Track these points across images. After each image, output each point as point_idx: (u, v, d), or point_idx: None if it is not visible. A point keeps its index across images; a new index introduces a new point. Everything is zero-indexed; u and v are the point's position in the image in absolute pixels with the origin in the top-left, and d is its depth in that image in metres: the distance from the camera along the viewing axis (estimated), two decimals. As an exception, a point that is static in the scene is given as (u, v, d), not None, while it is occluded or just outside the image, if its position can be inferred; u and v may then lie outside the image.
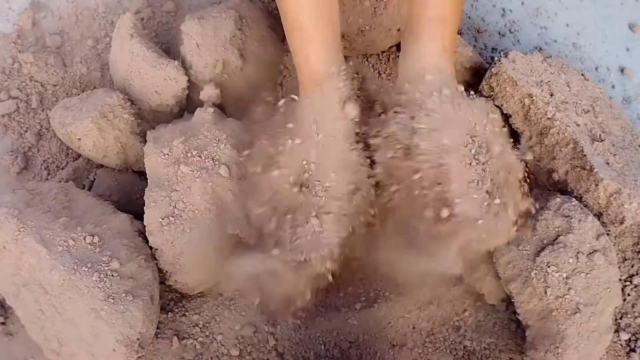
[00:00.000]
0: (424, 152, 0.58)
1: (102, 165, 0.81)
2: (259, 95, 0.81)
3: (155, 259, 0.70)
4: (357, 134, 0.63)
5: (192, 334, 0.74)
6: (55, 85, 0.88)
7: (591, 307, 0.66)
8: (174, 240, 0.68)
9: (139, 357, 0.68)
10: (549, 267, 0.67)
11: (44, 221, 0.66)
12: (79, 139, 0.75)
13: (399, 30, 0.80)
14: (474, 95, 0.69)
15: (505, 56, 0.75)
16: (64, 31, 0.89)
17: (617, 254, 0.74)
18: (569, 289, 0.66)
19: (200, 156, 0.70)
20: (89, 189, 0.79)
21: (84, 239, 0.66)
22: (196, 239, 0.69)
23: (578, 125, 0.74)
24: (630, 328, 0.73)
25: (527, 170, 0.64)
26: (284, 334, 0.74)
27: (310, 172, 0.61)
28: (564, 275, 0.67)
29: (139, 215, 0.71)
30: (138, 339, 0.66)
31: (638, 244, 0.76)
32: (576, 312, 0.66)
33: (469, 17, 0.88)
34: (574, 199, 0.70)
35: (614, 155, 0.73)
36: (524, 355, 0.71)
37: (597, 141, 0.74)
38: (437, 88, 0.59)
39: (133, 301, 0.65)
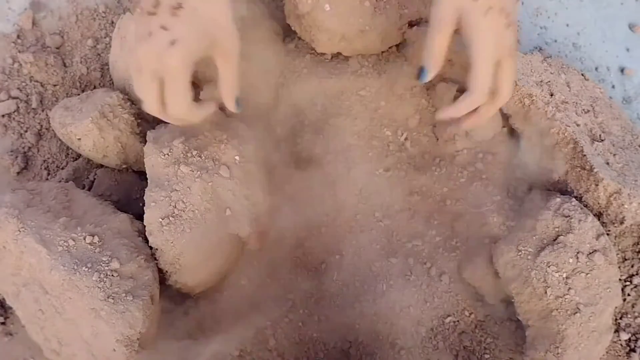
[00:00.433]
0: None
1: (102, 165, 0.81)
2: (259, 95, 0.81)
3: (155, 259, 0.70)
4: None
5: (192, 334, 0.74)
6: (55, 85, 0.88)
7: (591, 307, 0.66)
8: (174, 240, 0.68)
9: (139, 357, 0.68)
10: (549, 267, 0.67)
11: (44, 221, 0.66)
12: (79, 139, 0.75)
13: (399, 30, 0.80)
14: None
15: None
16: (64, 31, 0.89)
17: (617, 254, 0.74)
18: (569, 289, 0.66)
19: (200, 156, 0.70)
20: (89, 189, 0.79)
21: (84, 239, 0.66)
22: (196, 239, 0.69)
23: (578, 125, 0.74)
24: (630, 328, 0.73)
25: None
26: (284, 334, 0.74)
27: None
28: (564, 275, 0.67)
29: (139, 215, 0.71)
30: (138, 339, 0.66)
31: (638, 244, 0.76)
32: (576, 312, 0.66)
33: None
34: (574, 199, 0.70)
35: (614, 155, 0.73)
36: (524, 355, 0.71)
37: (597, 141, 0.74)
38: None
39: (133, 301, 0.65)
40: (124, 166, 0.80)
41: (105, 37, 0.89)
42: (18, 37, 0.89)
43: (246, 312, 0.75)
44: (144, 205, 0.69)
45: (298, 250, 0.77)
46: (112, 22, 0.89)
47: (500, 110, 0.77)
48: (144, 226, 0.69)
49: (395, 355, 0.73)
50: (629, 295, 0.74)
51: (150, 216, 0.69)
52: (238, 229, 0.72)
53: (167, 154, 0.70)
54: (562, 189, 0.74)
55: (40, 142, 0.86)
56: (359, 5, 0.76)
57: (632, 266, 0.75)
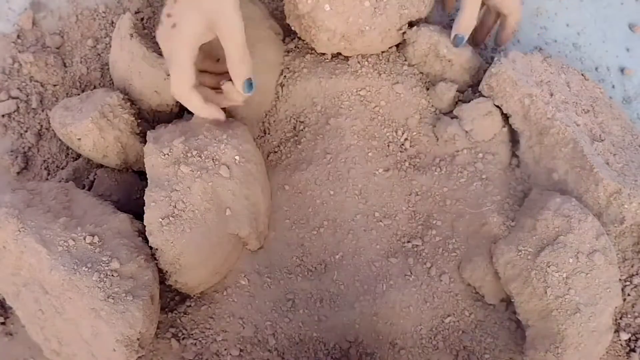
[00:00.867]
0: None
1: (102, 165, 0.81)
2: (259, 95, 0.81)
3: (155, 259, 0.70)
4: None
5: (192, 334, 0.74)
6: (55, 85, 0.88)
7: (591, 307, 0.66)
8: (174, 240, 0.68)
9: (139, 357, 0.68)
10: (549, 267, 0.67)
11: (44, 221, 0.66)
12: (79, 139, 0.75)
13: (399, 30, 0.80)
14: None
15: (505, 56, 0.75)
16: (64, 31, 0.89)
17: (617, 254, 0.74)
18: (569, 289, 0.66)
19: (200, 156, 0.70)
20: (89, 189, 0.79)
21: (84, 239, 0.66)
22: (196, 239, 0.69)
23: (578, 125, 0.74)
24: (630, 328, 0.73)
25: None
26: (284, 334, 0.74)
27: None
28: (564, 275, 0.67)
29: (139, 215, 0.71)
30: (138, 339, 0.66)
31: (638, 244, 0.76)
32: (576, 312, 0.66)
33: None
34: (573, 199, 0.70)
35: (614, 155, 0.73)
36: (524, 355, 0.71)
37: (597, 141, 0.74)
38: None
39: (133, 301, 0.65)
40: (124, 166, 0.80)
41: (105, 37, 0.89)
42: (18, 37, 0.89)
43: (246, 312, 0.75)
44: (144, 205, 0.69)
45: (298, 250, 0.77)
46: (112, 22, 0.89)
47: (500, 110, 0.77)
48: (144, 226, 0.69)
49: (395, 355, 0.73)
50: (629, 295, 0.74)
51: (150, 216, 0.69)
52: (238, 229, 0.72)
53: (167, 154, 0.70)
54: (562, 189, 0.74)
55: (40, 142, 0.86)
56: (359, 5, 0.76)
57: (632, 266, 0.75)
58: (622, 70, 0.88)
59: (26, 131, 0.86)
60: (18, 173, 0.84)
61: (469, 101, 0.78)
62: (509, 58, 0.75)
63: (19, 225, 0.65)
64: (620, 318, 0.74)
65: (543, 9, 0.91)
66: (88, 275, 0.64)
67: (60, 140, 0.84)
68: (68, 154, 0.85)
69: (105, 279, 0.65)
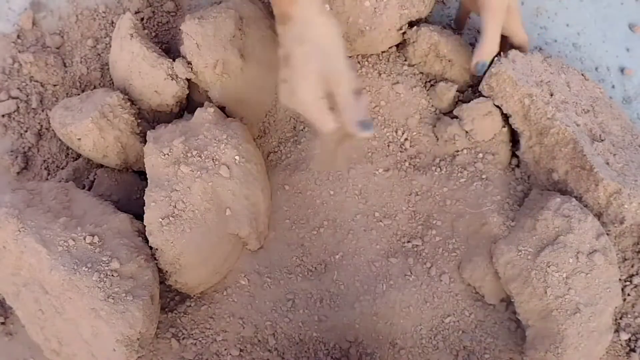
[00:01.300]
0: None
1: (102, 165, 0.81)
2: (259, 95, 0.81)
3: (155, 259, 0.70)
4: None
5: (192, 334, 0.74)
6: (55, 85, 0.88)
7: (591, 307, 0.66)
8: (174, 240, 0.68)
9: (139, 357, 0.68)
10: (549, 267, 0.67)
11: (44, 221, 0.66)
12: (79, 139, 0.75)
13: (399, 30, 0.80)
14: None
15: (505, 56, 0.75)
16: (64, 31, 0.89)
17: (617, 254, 0.74)
18: (569, 289, 0.66)
19: (200, 156, 0.70)
20: (89, 189, 0.79)
21: (84, 239, 0.66)
22: (196, 239, 0.69)
23: (578, 125, 0.74)
24: (630, 328, 0.73)
25: None
26: (284, 334, 0.74)
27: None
28: (564, 275, 0.67)
29: (139, 215, 0.71)
30: (138, 339, 0.66)
31: (638, 244, 0.76)
32: (576, 312, 0.66)
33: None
34: (573, 199, 0.70)
35: (614, 155, 0.73)
36: (524, 355, 0.71)
37: (597, 141, 0.74)
38: None
39: (133, 301, 0.65)
40: (124, 166, 0.80)
41: (105, 37, 0.89)
42: (18, 37, 0.89)
43: (246, 312, 0.75)
44: (144, 205, 0.69)
45: (298, 250, 0.77)
46: (112, 22, 0.89)
47: (501, 110, 0.77)
48: (144, 226, 0.69)
49: (395, 355, 0.73)
50: (629, 295, 0.74)
51: (150, 216, 0.69)
52: (238, 229, 0.72)
53: (167, 154, 0.70)
54: (562, 189, 0.74)
55: (40, 142, 0.86)
56: (359, 5, 0.76)
57: (632, 266, 0.75)
58: (622, 70, 0.88)
59: (26, 131, 0.86)
60: (18, 173, 0.84)
61: (469, 101, 0.78)
62: (509, 58, 0.75)
63: (19, 225, 0.65)
64: (620, 318, 0.74)
65: (543, 9, 0.91)
66: (88, 275, 0.64)
67: (60, 140, 0.84)
68: (68, 154, 0.85)
69: (105, 279, 0.65)
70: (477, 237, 0.75)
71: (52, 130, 0.84)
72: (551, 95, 0.74)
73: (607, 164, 0.72)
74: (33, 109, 0.86)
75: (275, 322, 0.75)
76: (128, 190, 0.80)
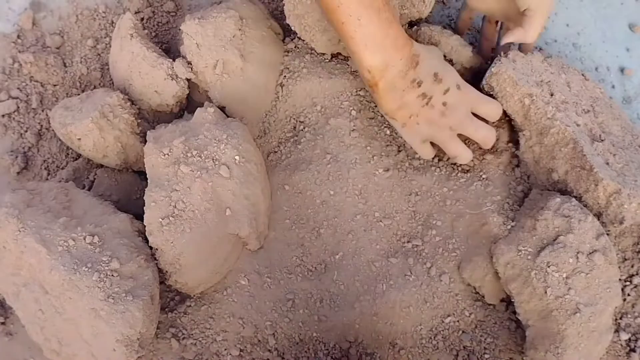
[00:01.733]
0: None
1: (102, 165, 0.81)
2: (259, 95, 0.81)
3: (155, 259, 0.70)
4: None
5: (192, 334, 0.74)
6: (55, 85, 0.88)
7: (591, 307, 0.66)
8: (174, 240, 0.68)
9: (139, 357, 0.68)
10: (549, 267, 0.67)
11: (44, 221, 0.66)
12: (79, 139, 0.75)
13: (399, 30, 0.80)
14: None
15: (506, 56, 0.75)
16: (64, 31, 0.89)
17: (617, 254, 0.74)
18: (569, 289, 0.66)
19: (200, 156, 0.70)
20: (89, 189, 0.79)
21: (84, 239, 0.66)
22: (196, 239, 0.69)
23: (578, 125, 0.74)
24: (630, 328, 0.73)
25: None
26: (284, 334, 0.75)
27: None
28: (564, 275, 0.67)
29: (139, 215, 0.71)
30: (138, 339, 0.66)
31: (638, 244, 0.76)
32: (576, 312, 0.66)
33: (469, 17, 0.88)
34: (573, 199, 0.70)
35: (614, 155, 0.73)
36: (524, 355, 0.71)
37: (597, 141, 0.74)
38: None
39: (133, 301, 0.65)
40: (124, 166, 0.80)
41: (105, 37, 0.89)
42: (18, 37, 0.89)
43: (246, 312, 0.75)
44: (144, 205, 0.69)
45: (298, 250, 0.77)
46: (112, 22, 0.89)
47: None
48: (144, 226, 0.69)
49: (395, 355, 0.73)
50: (629, 295, 0.74)
51: (150, 216, 0.69)
52: (238, 229, 0.72)
53: (167, 154, 0.70)
54: (561, 189, 0.74)
55: (40, 142, 0.86)
56: (359, 5, 0.76)
57: (632, 266, 0.75)
58: (622, 70, 0.88)
59: (26, 131, 0.86)
60: (18, 173, 0.84)
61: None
62: (509, 58, 0.75)
63: (19, 225, 0.65)
64: (620, 318, 0.74)
65: (543, 9, 0.90)
66: (88, 275, 0.64)
67: (60, 140, 0.84)
68: (68, 154, 0.85)
69: (105, 279, 0.65)
70: (477, 237, 0.75)
71: (52, 130, 0.84)
72: (551, 95, 0.74)
73: (607, 164, 0.72)
74: (33, 109, 0.86)
75: (275, 322, 0.75)
76: (128, 190, 0.80)
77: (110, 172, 0.80)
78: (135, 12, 0.89)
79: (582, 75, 0.80)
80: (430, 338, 0.74)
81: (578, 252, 0.67)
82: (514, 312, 0.72)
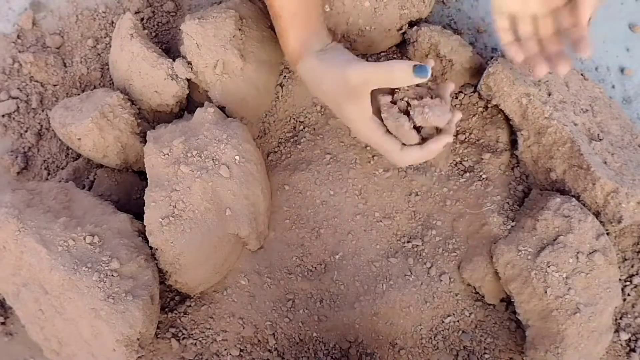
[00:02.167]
0: None
1: (102, 165, 0.81)
2: (259, 95, 0.81)
3: (155, 259, 0.70)
4: None
5: (192, 334, 0.74)
6: (55, 85, 0.88)
7: (591, 307, 0.66)
8: (174, 240, 0.68)
9: (139, 357, 0.68)
10: (549, 267, 0.67)
11: (44, 221, 0.66)
12: (79, 139, 0.75)
13: (399, 30, 0.80)
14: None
15: (503, 55, 0.75)
16: (64, 31, 0.89)
17: (617, 254, 0.74)
18: (569, 289, 0.66)
19: (200, 156, 0.70)
20: (89, 189, 0.79)
21: (84, 239, 0.66)
22: (196, 239, 0.69)
23: (576, 124, 0.74)
24: (630, 328, 0.73)
25: None
26: (284, 334, 0.75)
27: None
28: (564, 275, 0.67)
29: (139, 215, 0.71)
30: (138, 339, 0.66)
31: (638, 244, 0.76)
32: (576, 312, 0.66)
33: (469, 17, 0.88)
34: (573, 199, 0.70)
35: (612, 154, 0.73)
36: (524, 355, 0.71)
37: (595, 140, 0.74)
38: None
39: (133, 301, 0.65)
40: (124, 166, 0.80)
41: (105, 37, 0.89)
42: (18, 37, 0.89)
43: (246, 312, 0.75)
44: (144, 205, 0.69)
45: (298, 250, 0.77)
46: (112, 22, 0.89)
47: (501, 110, 0.77)
48: (144, 226, 0.69)
49: (395, 355, 0.73)
50: (629, 295, 0.74)
51: (150, 216, 0.69)
52: (238, 229, 0.72)
53: (167, 154, 0.70)
54: (560, 188, 0.74)
55: (40, 142, 0.86)
56: (359, 5, 0.77)
57: (632, 266, 0.75)
58: (622, 70, 0.88)
59: (26, 131, 0.86)
60: (18, 173, 0.84)
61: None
62: (506, 57, 0.75)
63: (19, 225, 0.65)
64: (620, 318, 0.74)
65: (543, 9, 0.90)
66: (88, 275, 0.64)
67: (60, 140, 0.84)
68: (68, 154, 0.85)
69: (105, 279, 0.65)
70: (477, 237, 0.75)
71: (52, 130, 0.84)
72: (549, 94, 0.74)
73: (605, 163, 0.72)
74: (33, 109, 0.86)
75: (275, 322, 0.75)
76: (128, 190, 0.80)
77: (110, 172, 0.80)
78: (135, 12, 0.89)
79: (581, 74, 0.80)
80: (430, 338, 0.74)
81: (578, 252, 0.67)
82: (514, 312, 0.72)
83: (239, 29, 0.78)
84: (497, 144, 0.79)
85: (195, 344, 0.74)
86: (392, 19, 0.78)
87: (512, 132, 0.79)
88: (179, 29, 0.79)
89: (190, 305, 0.75)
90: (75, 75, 0.88)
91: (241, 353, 0.73)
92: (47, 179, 0.84)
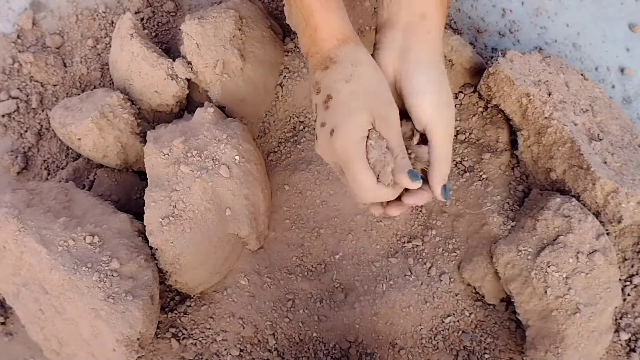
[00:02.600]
0: None
1: (102, 165, 0.81)
2: (259, 95, 0.81)
3: (155, 259, 0.70)
4: None
5: (192, 334, 0.74)
6: (55, 85, 0.88)
7: (591, 307, 0.66)
8: (174, 240, 0.68)
9: (139, 357, 0.68)
10: (549, 267, 0.67)
11: (44, 221, 0.66)
12: (79, 139, 0.75)
13: (398, 30, 0.80)
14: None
15: (503, 55, 0.75)
16: (64, 31, 0.90)
17: (617, 254, 0.74)
18: (569, 289, 0.66)
19: (200, 156, 0.70)
20: (89, 189, 0.79)
21: (84, 239, 0.66)
22: (196, 239, 0.69)
23: (576, 124, 0.74)
24: (630, 328, 0.73)
25: None
26: (284, 334, 0.74)
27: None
28: (564, 275, 0.67)
29: (139, 215, 0.71)
30: (138, 339, 0.66)
31: (638, 243, 0.76)
32: (576, 312, 0.66)
33: (469, 17, 0.88)
34: (573, 199, 0.70)
35: (612, 154, 0.73)
36: (524, 355, 0.71)
37: (595, 140, 0.74)
38: None
39: (133, 301, 0.65)
40: (124, 166, 0.80)
41: (105, 37, 0.89)
42: (18, 37, 0.89)
43: (246, 312, 0.75)
44: (144, 205, 0.69)
45: (298, 250, 0.77)
46: (112, 22, 0.89)
47: (501, 110, 0.77)
48: (144, 226, 0.69)
49: (395, 355, 0.73)
50: (629, 295, 0.74)
51: (150, 216, 0.69)
52: (238, 229, 0.72)
53: (167, 154, 0.70)
54: (560, 188, 0.74)
55: (40, 142, 0.86)
56: (359, 5, 0.77)
57: (632, 266, 0.75)
58: (622, 70, 0.88)
59: (26, 131, 0.86)
60: (18, 173, 0.84)
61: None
62: (506, 57, 0.75)
63: (19, 225, 0.65)
64: (620, 318, 0.74)
65: (543, 9, 0.91)
66: (88, 275, 0.64)
67: (60, 140, 0.84)
68: (68, 154, 0.85)
69: (105, 279, 0.65)
70: (477, 237, 0.75)
71: (52, 130, 0.84)
72: (549, 94, 0.74)
73: (605, 163, 0.72)
74: (33, 109, 0.86)
75: (275, 322, 0.75)
76: (128, 190, 0.80)
77: (110, 172, 0.80)
78: (135, 12, 0.89)
79: (581, 75, 0.80)
80: (430, 338, 0.74)
81: (578, 252, 0.67)
82: (514, 312, 0.72)
83: (239, 29, 0.78)
84: (497, 144, 0.79)
85: (195, 344, 0.74)
86: (392, 19, 0.77)
87: (512, 132, 0.79)
88: (179, 29, 0.79)
89: (190, 305, 0.75)
90: (75, 75, 0.88)
91: (241, 353, 0.73)
92: (47, 179, 0.84)
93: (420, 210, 0.78)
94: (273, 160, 0.81)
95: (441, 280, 0.74)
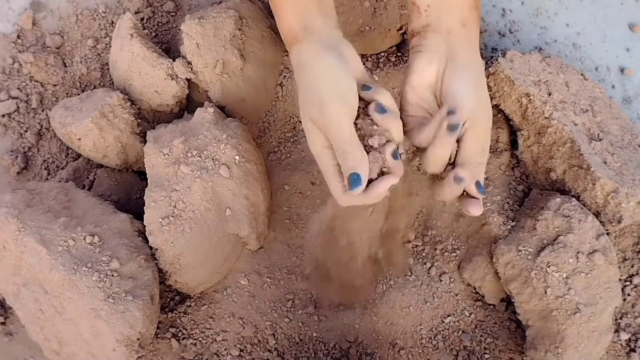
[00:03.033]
0: None
1: (102, 165, 0.81)
2: (259, 95, 0.81)
3: (155, 259, 0.70)
4: None
5: (192, 334, 0.74)
6: (55, 85, 0.88)
7: (591, 307, 0.66)
8: (174, 240, 0.68)
9: (139, 357, 0.68)
10: (549, 267, 0.67)
11: (44, 221, 0.66)
12: (79, 139, 0.75)
13: (398, 30, 0.80)
14: None
15: (503, 55, 0.75)
16: (64, 31, 0.90)
17: (617, 254, 0.74)
18: (569, 289, 0.66)
19: (200, 156, 0.70)
20: (89, 189, 0.79)
21: (84, 239, 0.66)
22: (196, 239, 0.69)
23: (576, 124, 0.74)
24: (630, 328, 0.73)
25: None
26: (284, 334, 0.74)
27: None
28: (564, 275, 0.67)
29: (139, 215, 0.71)
30: (138, 339, 0.66)
31: (638, 243, 0.76)
32: (576, 312, 0.66)
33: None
34: (573, 199, 0.70)
35: (612, 154, 0.73)
36: (524, 355, 0.71)
37: (595, 140, 0.74)
38: None
39: (133, 301, 0.65)
40: (124, 166, 0.80)
41: (105, 37, 0.89)
42: (18, 37, 0.89)
43: (246, 312, 0.75)
44: (144, 205, 0.69)
45: (298, 250, 0.77)
46: (112, 22, 0.89)
47: (501, 110, 0.77)
48: (144, 226, 0.69)
49: (395, 355, 0.73)
50: (629, 295, 0.74)
51: (150, 216, 0.69)
52: (238, 229, 0.72)
53: (167, 154, 0.70)
54: (560, 188, 0.74)
55: (40, 142, 0.86)
56: (359, 5, 0.77)
57: (632, 266, 0.75)
58: (622, 70, 0.88)
59: (26, 131, 0.86)
60: (18, 173, 0.84)
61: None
62: (506, 57, 0.75)
63: (19, 225, 0.65)
64: (620, 318, 0.74)
65: (543, 9, 0.91)
66: (88, 275, 0.64)
67: (60, 140, 0.84)
68: (68, 154, 0.85)
69: (105, 279, 0.65)
70: (477, 237, 0.75)
71: (52, 130, 0.84)
72: (549, 94, 0.74)
73: (605, 163, 0.72)
74: (33, 109, 0.86)
75: (275, 322, 0.75)
76: (128, 190, 0.80)
77: (110, 172, 0.80)
78: (135, 12, 0.89)
79: (581, 75, 0.80)
80: (430, 338, 0.74)
81: (578, 252, 0.67)
82: (514, 312, 0.72)
83: (239, 29, 0.78)
84: (497, 144, 0.79)
85: (195, 344, 0.74)
86: (392, 19, 0.78)
87: (512, 132, 0.79)
88: (179, 29, 0.79)
89: (190, 305, 0.75)
90: (75, 75, 0.88)
91: (241, 353, 0.73)
92: (47, 179, 0.84)
93: (421, 210, 0.78)
94: (273, 160, 0.81)
95: (441, 280, 0.74)
